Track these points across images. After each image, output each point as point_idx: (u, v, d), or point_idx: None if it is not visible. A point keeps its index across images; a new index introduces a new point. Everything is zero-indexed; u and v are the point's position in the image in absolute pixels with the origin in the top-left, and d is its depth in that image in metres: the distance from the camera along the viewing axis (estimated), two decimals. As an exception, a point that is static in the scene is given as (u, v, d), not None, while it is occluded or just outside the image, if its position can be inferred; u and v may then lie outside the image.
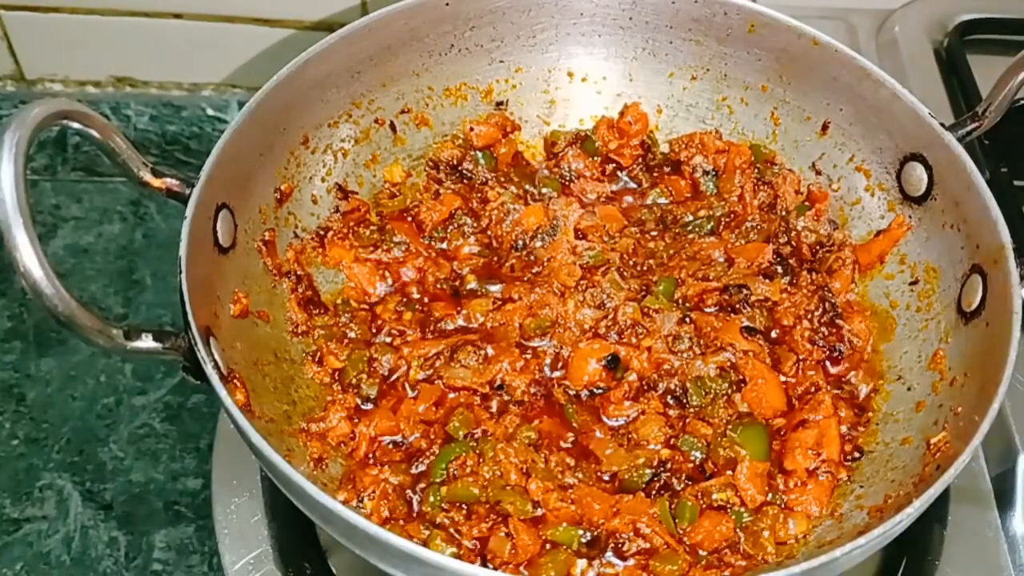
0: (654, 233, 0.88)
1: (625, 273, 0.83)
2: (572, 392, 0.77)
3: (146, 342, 0.64)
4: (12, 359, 0.94)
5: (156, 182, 0.70)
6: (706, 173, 0.90)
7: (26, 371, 0.94)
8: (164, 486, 0.87)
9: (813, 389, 0.78)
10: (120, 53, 1.13)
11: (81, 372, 0.93)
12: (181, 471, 0.87)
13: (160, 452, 0.89)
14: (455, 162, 0.91)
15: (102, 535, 0.84)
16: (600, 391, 0.77)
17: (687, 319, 0.80)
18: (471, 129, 0.92)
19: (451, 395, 0.77)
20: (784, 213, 0.89)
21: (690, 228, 0.88)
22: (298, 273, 0.82)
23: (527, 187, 0.90)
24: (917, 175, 0.82)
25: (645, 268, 0.85)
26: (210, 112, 1.15)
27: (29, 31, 1.11)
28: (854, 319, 0.82)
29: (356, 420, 0.76)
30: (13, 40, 1.12)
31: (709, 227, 0.87)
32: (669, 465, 0.73)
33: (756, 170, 0.90)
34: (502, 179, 0.91)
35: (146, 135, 1.13)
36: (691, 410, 0.76)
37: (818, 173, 0.90)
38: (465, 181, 0.90)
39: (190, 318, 0.65)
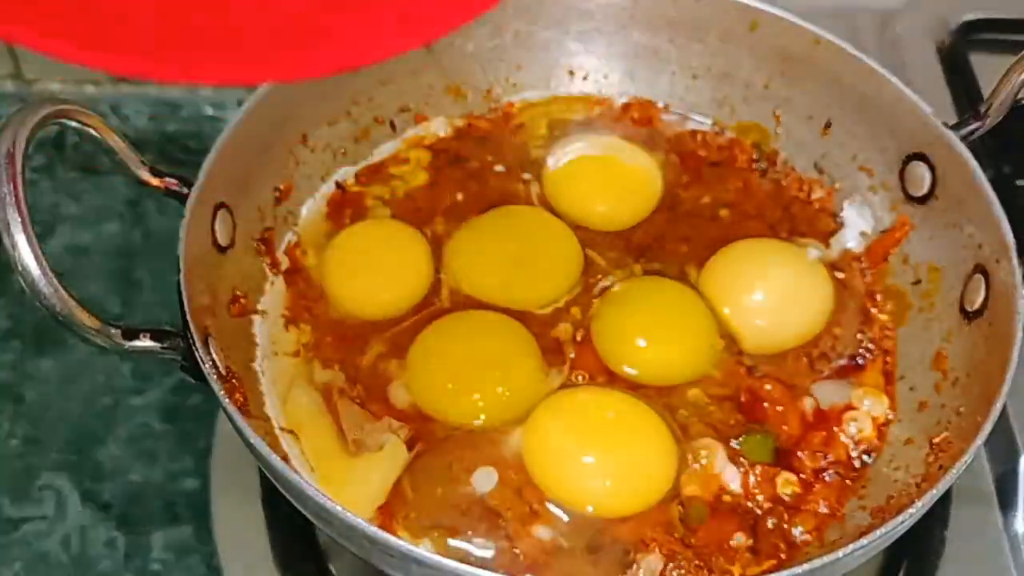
0: (657, 219, 0.87)
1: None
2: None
3: (144, 342, 0.64)
4: (10, 359, 0.94)
5: (155, 181, 0.70)
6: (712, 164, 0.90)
7: (24, 371, 0.93)
8: (163, 486, 0.87)
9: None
10: (119, 52, 1.12)
11: (79, 372, 0.93)
12: (180, 471, 0.87)
13: (159, 452, 0.88)
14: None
15: (101, 535, 0.84)
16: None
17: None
18: (469, 124, 0.92)
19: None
20: (786, 212, 0.88)
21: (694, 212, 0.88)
22: (296, 271, 0.82)
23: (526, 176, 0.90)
24: (920, 174, 0.81)
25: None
26: (209, 111, 1.14)
27: (28, 30, 1.11)
28: (873, 321, 0.81)
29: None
30: (12, 39, 1.12)
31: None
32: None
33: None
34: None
35: (144, 134, 1.13)
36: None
37: (820, 172, 0.89)
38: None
39: (188, 318, 0.65)
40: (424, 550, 0.58)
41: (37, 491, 0.86)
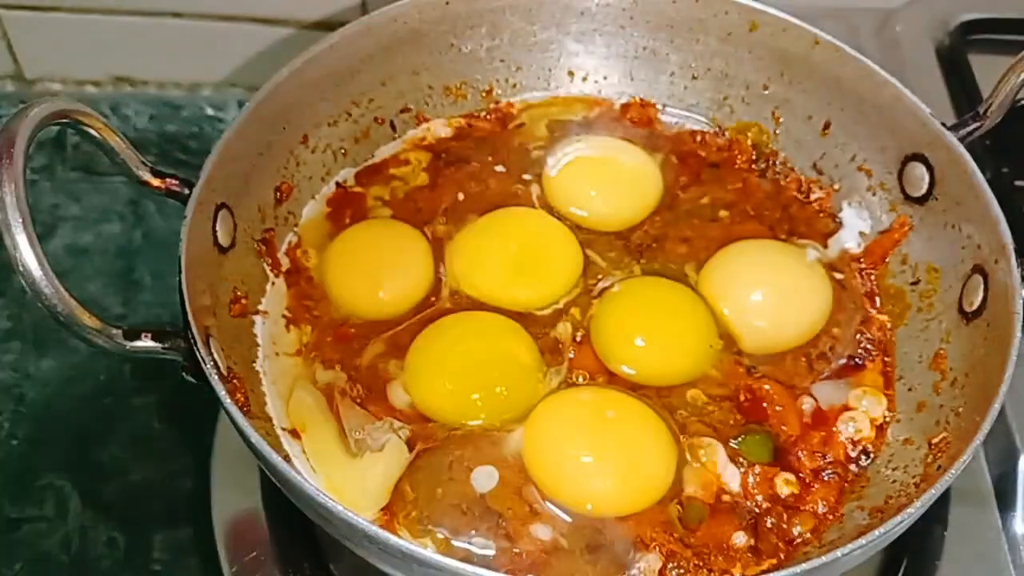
0: (657, 219, 0.87)
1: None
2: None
3: (145, 342, 0.64)
4: (11, 359, 0.94)
5: (156, 182, 0.70)
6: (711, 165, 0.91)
7: (25, 371, 0.94)
8: (163, 486, 0.87)
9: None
10: (119, 52, 1.13)
11: (80, 372, 0.93)
12: (180, 471, 0.87)
13: (159, 452, 0.89)
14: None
15: (101, 535, 0.84)
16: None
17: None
18: (469, 124, 0.92)
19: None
20: (786, 212, 0.88)
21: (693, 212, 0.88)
22: (297, 272, 0.82)
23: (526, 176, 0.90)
24: (918, 175, 0.82)
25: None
26: (209, 112, 1.15)
27: (29, 31, 1.11)
28: (872, 322, 0.81)
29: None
30: (13, 40, 1.12)
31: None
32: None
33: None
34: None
35: (145, 134, 1.13)
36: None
37: (820, 172, 0.89)
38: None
39: (189, 318, 0.65)
40: (424, 550, 0.58)
41: (37, 491, 0.86)
